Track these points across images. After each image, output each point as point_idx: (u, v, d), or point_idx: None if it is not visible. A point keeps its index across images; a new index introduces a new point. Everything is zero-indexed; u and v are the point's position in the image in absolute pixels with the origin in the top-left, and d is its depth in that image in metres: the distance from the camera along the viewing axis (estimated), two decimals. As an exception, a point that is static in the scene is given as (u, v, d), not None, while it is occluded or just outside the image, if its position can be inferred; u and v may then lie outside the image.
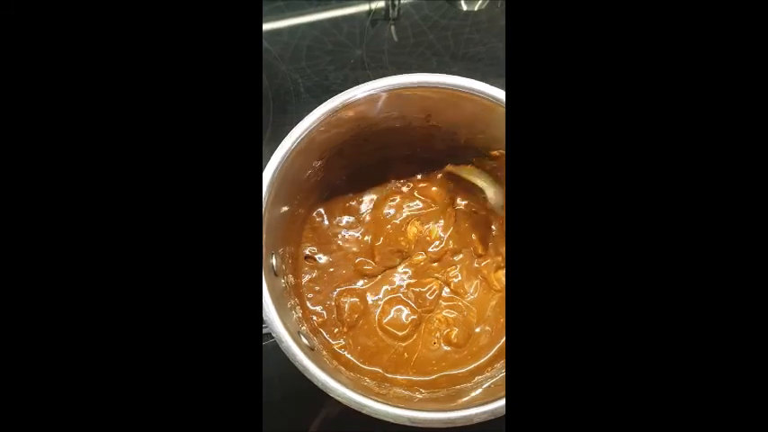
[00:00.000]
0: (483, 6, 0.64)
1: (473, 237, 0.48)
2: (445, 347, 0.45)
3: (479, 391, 0.39)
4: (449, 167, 0.48)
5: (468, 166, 0.48)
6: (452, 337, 0.45)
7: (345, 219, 0.48)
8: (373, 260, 0.47)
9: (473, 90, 0.38)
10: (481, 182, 0.47)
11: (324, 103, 0.37)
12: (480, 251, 0.48)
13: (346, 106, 0.37)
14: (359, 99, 0.37)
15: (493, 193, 0.47)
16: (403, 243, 0.47)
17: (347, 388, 0.34)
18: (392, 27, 0.64)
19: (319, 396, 0.47)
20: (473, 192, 0.49)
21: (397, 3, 0.64)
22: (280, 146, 0.36)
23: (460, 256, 0.48)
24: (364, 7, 0.65)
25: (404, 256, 0.48)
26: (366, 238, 0.48)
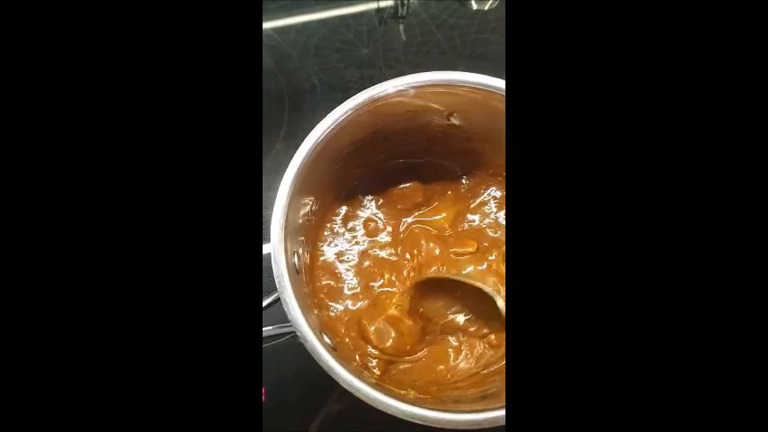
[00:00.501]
0: (494, 6, 0.64)
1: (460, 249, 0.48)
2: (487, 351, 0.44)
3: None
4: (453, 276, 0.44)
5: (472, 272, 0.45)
6: (493, 339, 0.44)
7: (356, 224, 0.48)
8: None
9: (494, 88, 0.38)
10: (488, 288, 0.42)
11: (350, 99, 0.36)
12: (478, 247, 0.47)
13: (374, 102, 0.37)
14: (389, 94, 0.36)
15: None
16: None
17: (371, 388, 0.34)
18: (401, 26, 0.64)
19: (319, 397, 0.47)
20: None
21: (406, 1, 0.64)
22: (305, 141, 0.36)
23: (469, 268, 0.48)
24: (372, 5, 0.65)
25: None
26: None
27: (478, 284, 0.42)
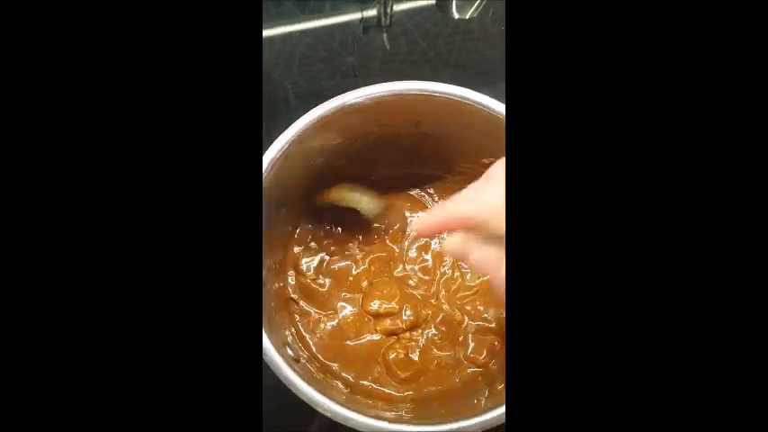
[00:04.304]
0: (475, 15, 0.64)
1: None
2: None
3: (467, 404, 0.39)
4: (318, 200, 0.45)
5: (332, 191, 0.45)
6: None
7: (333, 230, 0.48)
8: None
9: (461, 98, 0.38)
10: (350, 199, 0.44)
11: (311, 111, 0.37)
12: None
13: (334, 113, 0.36)
14: (346, 106, 0.36)
15: (366, 204, 0.44)
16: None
17: (332, 401, 0.33)
18: (384, 35, 0.64)
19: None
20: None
21: (389, 11, 0.64)
22: (265, 154, 0.36)
23: None
24: (356, 14, 0.65)
25: None
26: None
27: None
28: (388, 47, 0.63)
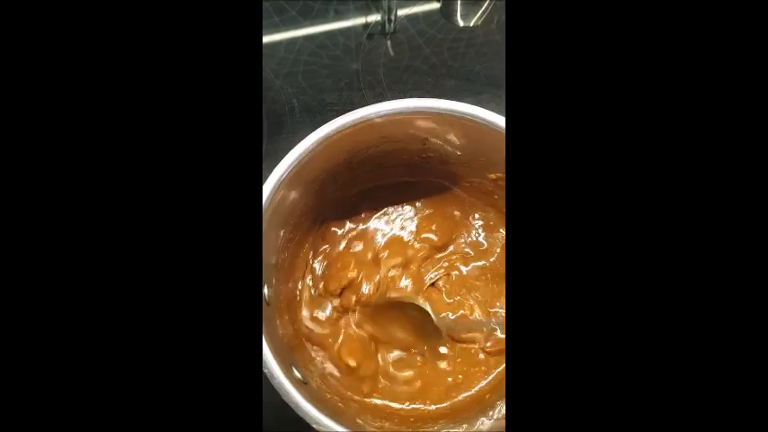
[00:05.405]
0: (479, 23, 0.64)
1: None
2: None
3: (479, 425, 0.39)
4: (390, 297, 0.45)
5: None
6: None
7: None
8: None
9: (469, 115, 0.37)
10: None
11: (316, 131, 0.36)
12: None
13: (339, 132, 0.36)
14: (351, 126, 0.36)
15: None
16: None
17: (341, 425, 0.33)
18: (388, 41, 0.63)
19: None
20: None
21: (393, 18, 0.64)
22: (270, 175, 0.36)
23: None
24: (360, 20, 0.64)
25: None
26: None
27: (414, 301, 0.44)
28: (392, 53, 0.63)
